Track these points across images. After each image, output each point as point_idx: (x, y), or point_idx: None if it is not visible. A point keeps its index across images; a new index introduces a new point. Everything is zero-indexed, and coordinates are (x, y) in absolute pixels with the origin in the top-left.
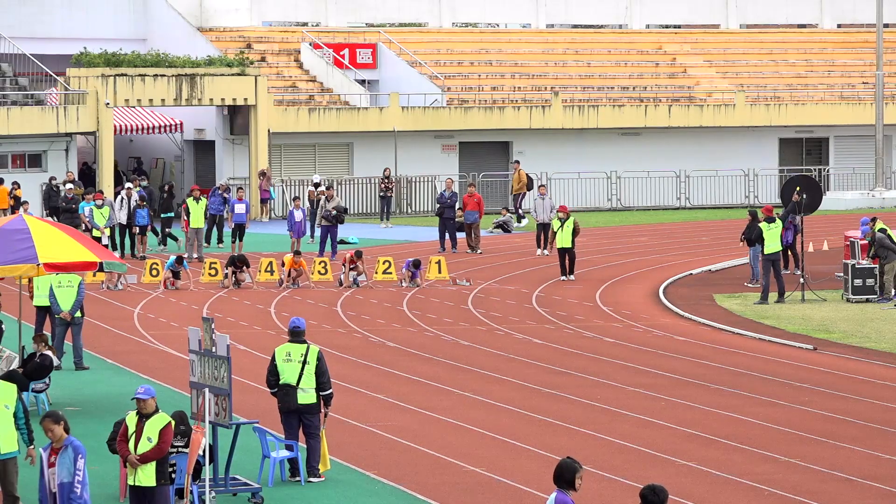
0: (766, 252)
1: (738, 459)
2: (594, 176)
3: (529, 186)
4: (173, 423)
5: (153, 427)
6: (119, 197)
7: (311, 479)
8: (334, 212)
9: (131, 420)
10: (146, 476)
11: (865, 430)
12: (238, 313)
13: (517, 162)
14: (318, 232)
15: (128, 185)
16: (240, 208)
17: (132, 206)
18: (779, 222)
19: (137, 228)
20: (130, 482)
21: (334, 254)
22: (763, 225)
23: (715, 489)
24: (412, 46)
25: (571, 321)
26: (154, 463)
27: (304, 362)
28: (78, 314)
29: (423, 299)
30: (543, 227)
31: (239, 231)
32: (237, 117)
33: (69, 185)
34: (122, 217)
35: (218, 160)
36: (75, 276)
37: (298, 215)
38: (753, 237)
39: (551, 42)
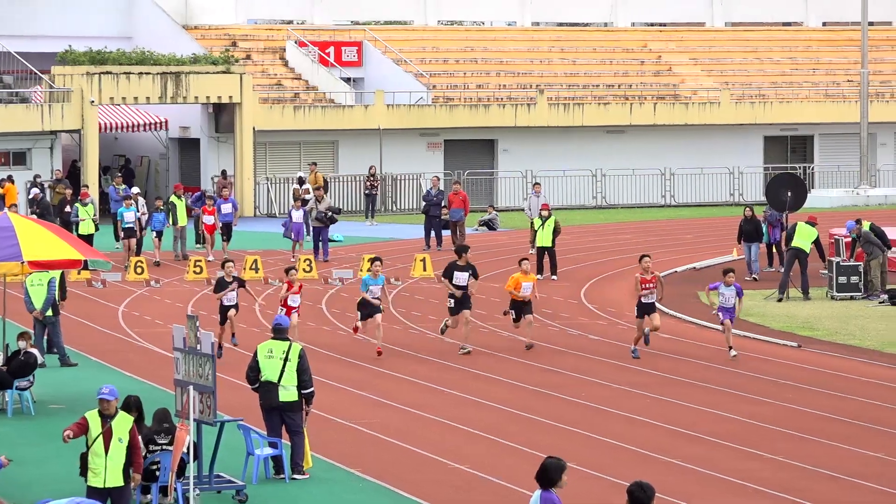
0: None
1: (724, 457)
2: (579, 174)
3: (326, 189)
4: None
5: (122, 427)
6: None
7: (296, 477)
8: (328, 213)
9: (94, 420)
10: (115, 477)
11: (850, 427)
12: None
13: (314, 164)
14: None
15: (134, 189)
16: (226, 208)
17: (149, 213)
18: (813, 230)
19: (155, 233)
20: (97, 485)
21: (326, 255)
22: (800, 223)
23: (701, 486)
24: (398, 44)
25: (556, 319)
26: (124, 463)
27: (286, 359)
28: (49, 313)
29: (407, 297)
30: None
31: (226, 230)
32: (222, 115)
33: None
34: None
35: (203, 158)
36: (46, 274)
37: (297, 216)
38: (787, 235)
39: (537, 40)
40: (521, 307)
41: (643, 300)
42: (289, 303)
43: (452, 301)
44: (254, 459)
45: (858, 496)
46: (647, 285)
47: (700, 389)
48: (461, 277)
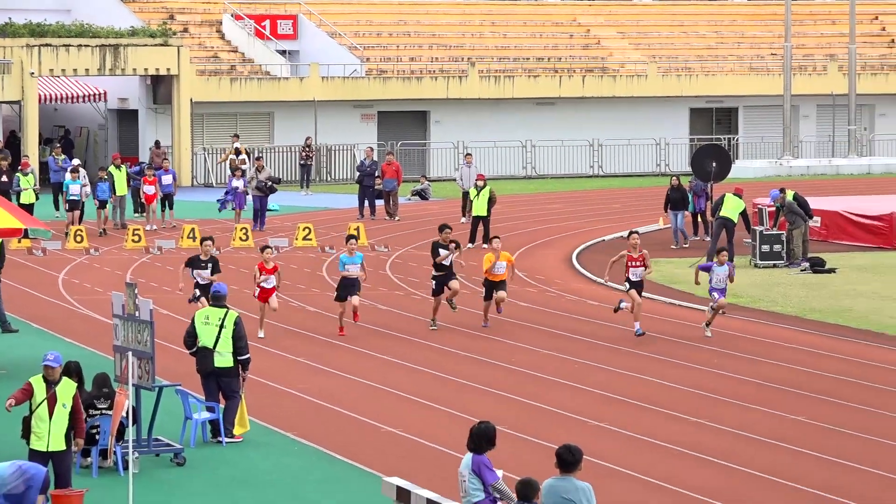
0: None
1: (649, 420)
2: (510, 145)
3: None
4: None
5: (65, 393)
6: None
7: (226, 438)
8: (268, 182)
9: (39, 385)
10: (58, 441)
11: (771, 391)
12: (161, 279)
13: (236, 135)
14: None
15: (75, 161)
16: (166, 179)
17: (91, 184)
18: (741, 201)
19: (98, 203)
20: (40, 448)
21: (263, 224)
22: (728, 195)
23: (627, 449)
24: (332, 18)
25: None
26: (67, 428)
27: (222, 326)
28: None
29: None
30: (468, 195)
31: (168, 200)
32: (160, 87)
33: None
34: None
35: (141, 129)
36: None
37: (239, 184)
38: (715, 205)
39: (468, 13)
40: (492, 285)
41: (632, 278)
42: (263, 285)
43: (434, 282)
44: (192, 423)
45: (777, 457)
46: (635, 263)
47: (625, 355)
48: (446, 255)
